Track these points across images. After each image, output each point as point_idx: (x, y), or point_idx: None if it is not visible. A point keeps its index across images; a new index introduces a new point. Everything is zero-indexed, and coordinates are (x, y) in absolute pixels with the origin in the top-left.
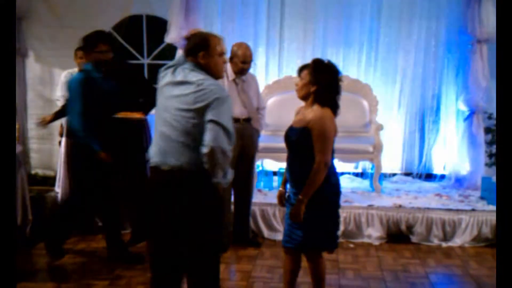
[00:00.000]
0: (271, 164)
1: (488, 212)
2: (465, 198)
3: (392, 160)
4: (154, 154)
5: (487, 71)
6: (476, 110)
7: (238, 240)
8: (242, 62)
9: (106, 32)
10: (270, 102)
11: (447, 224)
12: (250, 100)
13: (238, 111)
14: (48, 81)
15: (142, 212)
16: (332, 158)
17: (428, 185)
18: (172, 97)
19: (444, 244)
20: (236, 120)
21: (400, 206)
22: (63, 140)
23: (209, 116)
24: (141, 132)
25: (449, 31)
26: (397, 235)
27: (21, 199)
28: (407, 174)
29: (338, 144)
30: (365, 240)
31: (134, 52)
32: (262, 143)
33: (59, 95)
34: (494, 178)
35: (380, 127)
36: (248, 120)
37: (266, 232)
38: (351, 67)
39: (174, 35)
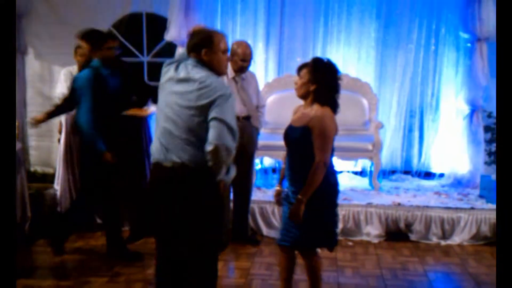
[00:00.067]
0: (271, 161)
1: (487, 211)
2: (464, 196)
3: (391, 158)
4: (156, 150)
5: (486, 69)
6: (475, 108)
7: (237, 237)
8: (242, 60)
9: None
10: (270, 100)
11: (446, 222)
12: (249, 98)
13: (238, 109)
14: (48, 78)
15: (141, 210)
16: (331, 156)
17: (427, 183)
18: (174, 94)
19: (443, 242)
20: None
21: (399, 204)
22: (62, 137)
23: (212, 113)
24: (141, 130)
25: (449, 29)
26: (396, 233)
27: (20, 196)
28: (406, 172)
29: (337, 142)
30: (364, 238)
31: (133, 50)
32: (261, 141)
33: (59, 92)
34: (493, 177)
35: (379, 125)
36: (247, 118)
37: (264, 230)
38: (350, 66)
39: (174, 33)
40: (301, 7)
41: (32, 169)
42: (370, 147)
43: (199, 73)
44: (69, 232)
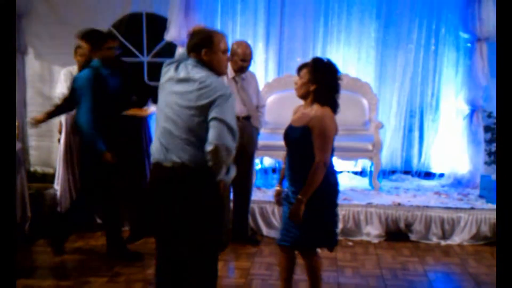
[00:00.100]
0: (271, 161)
1: (487, 211)
2: (464, 196)
3: (391, 158)
4: (156, 150)
5: (486, 69)
6: (475, 108)
7: (237, 237)
8: (242, 60)
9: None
10: (270, 100)
11: (446, 222)
12: (249, 98)
13: (238, 109)
14: (48, 78)
15: (141, 210)
16: (331, 156)
17: (427, 183)
18: (174, 94)
19: (443, 242)
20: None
21: (399, 204)
22: (62, 137)
23: (212, 113)
24: (141, 130)
25: (449, 29)
26: (396, 233)
27: (20, 196)
28: (406, 172)
29: (337, 142)
30: (364, 238)
31: (133, 50)
32: (261, 141)
33: (59, 92)
34: (493, 177)
35: (379, 125)
36: (247, 118)
37: (264, 230)
38: (350, 65)
39: (174, 33)
40: (301, 7)
41: (32, 169)
42: (370, 147)
43: (199, 73)
44: (69, 232)
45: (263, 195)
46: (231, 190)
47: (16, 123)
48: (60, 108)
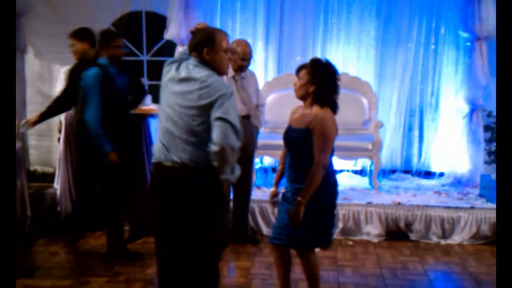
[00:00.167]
0: (270, 161)
1: (487, 210)
2: (464, 195)
3: (391, 157)
4: (157, 150)
5: (486, 68)
6: (475, 107)
7: (237, 237)
8: (242, 59)
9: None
10: (270, 99)
11: (446, 221)
12: (249, 97)
13: (237, 108)
14: (47, 77)
15: (140, 210)
16: (331, 156)
17: (427, 182)
18: (175, 94)
19: (443, 242)
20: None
21: (399, 203)
22: (62, 136)
23: (216, 113)
24: (141, 130)
25: (449, 28)
26: (396, 232)
27: (20, 195)
28: (406, 171)
29: (337, 141)
30: (364, 237)
31: (133, 48)
32: (261, 140)
33: (59, 91)
34: (493, 176)
35: (379, 125)
36: (247, 117)
37: (264, 229)
38: (350, 64)
39: (174, 32)
40: (300, 6)
41: (32, 168)
42: (370, 146)
43: (200, 73)
44: (81, 232)
45: (263, 194)
46: (231, 189)
47: (16, 122)
48: (54, 109)
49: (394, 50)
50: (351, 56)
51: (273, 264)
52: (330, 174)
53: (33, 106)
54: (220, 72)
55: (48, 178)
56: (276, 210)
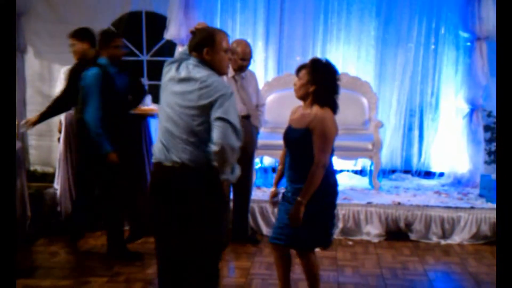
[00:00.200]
0: (270, 161)
1: (487, 210)
2: (464, 195)
3: (391, 157)
4: (157, 150)
5: (486, 68)
6: (475, 107)
7: (237, 237)
8: (242, 59)
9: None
10: (270, 99)
11: (446, 221)
12: (249, 97)
13: (237, 108)
14: (47, 77)
15: (140, 210)
16: (331, 156)
17: (427, 182)
18: (175, 94)
19: (443, 242)
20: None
21: (399, 203)
22: (62, 136)
23: (216, 113)
24: (141, 130)
25: (449, 28)
26: (396, 232)
27: (20, 195)
28: (406, 171)
29: (337, 141)
30: (364, 237)
31: (133, 48)
32: (261, 140)
33: (58, 91)
34: (493, 176)
35: (379, 125)
36: (247, 117)
37: (264, 229)
38: (350, 64)
39: (174, 32)
40: (300, 6)
41: (32, 168)
42: (370, 146)
43: (200, 73)
44: (81, 232)
45: (263, 194)
46: (231, 189)
47: (16, 123)
48: (54, 109)
49: (394, 50)
50: (351, 56)
51: (273, 264)
52: (330, 174)
53: (33, 106)
54: (220, 72)
55: (48, 178)
56: (276, 210)
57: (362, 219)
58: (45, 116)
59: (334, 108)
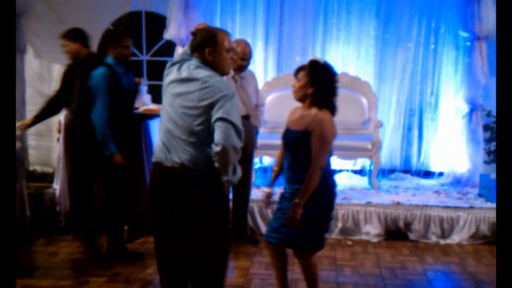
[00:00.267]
0: (270, 160)
1: (486, 210)
2: (463, 195)
3: (390, 157)
4: (158, 150)
5: (486, 68)
6: (475, 107)
7: (236, 237)
8: (241, 59)
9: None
10: (269, 99)
11: (445, 221)
12: (248, 97)
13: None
14: (47, 77)
15: (140, 210)
16: (330, 157)
17: (426, 182)
18: (177, 94)
19: (442, 241)
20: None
21: (398, 203)
22: (61, 136)
23: (218, 114)
24: (141, 130)
25: (449, 28)
26: (395, 232)
27: (19, 195)
28: (406, 171)
29: (337, 141)
30: (363, 237)
31: (133, 48)
32: (260, 140)
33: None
34: (492, 176)
35: (378, 124)
36: (246, 117)
37: (264, 229)
38: (350, 64)
39: (173, 32)
40: (300, 6)
41: (31, 168)
42: (369, 146)
43: (201, 73)
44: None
45: (262, 194)
46: (230, 189)
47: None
48: (47, 110)
49: (393, 49)
50: (350, 56)
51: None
52: (328, 175)
53: (32, 106)
54: (223, 72)
55: (48, 178)
56: (265, 209)
57: (361, 218)
58: (39, 118)
59: (332, 110)
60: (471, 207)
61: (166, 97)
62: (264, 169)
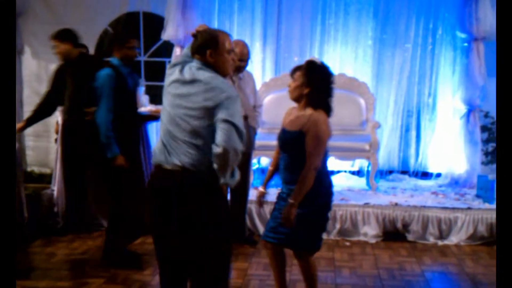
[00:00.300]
0: (268, 161)
1: (483, 211)
2: (461, 196)
3: (388, 158)
4: (158, 151)
5: (483, 69)
6: (472, 108)
7: (234, 238)
8: (239, 59)
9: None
10: (267, 99)
11: (443, 222)
12: (246, 97)
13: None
14: (45, 78)
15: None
16: (326, 158)
17: (424, 183)
18: (179, 96)
19: (440, 242)
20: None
21: (396, 204)
22: (59, 137)
23: (221, 115)
24: (140, 131)
25: (446, 28)
26: (393, 233)
27: (17, 196)
28: (404, 172)
29: (334, 142)
30: (361, 238)
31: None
32: (258, 140)
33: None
34: (490, 177)
35: (376, 125)
36: (244, 118)
37: (262, 230)
38: (347, 65)
39: (171, 32)
40: (298, 6)
41: (29, 169)
42: (367, 147)
43: (204, 75)
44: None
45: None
46: (228, 190)
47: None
48: (39, 113)
49: (391, 50)
50: (348, 57)
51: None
52: (324, 176)
53: (30, 107)
54: (224, 73)
55: (45, 179)
56: (263, 210)
57: (359, 219)
58: (31, 121)
59: (328, 110)
60: (469, 208)
61: (167, 98)
62: (262, 170)
